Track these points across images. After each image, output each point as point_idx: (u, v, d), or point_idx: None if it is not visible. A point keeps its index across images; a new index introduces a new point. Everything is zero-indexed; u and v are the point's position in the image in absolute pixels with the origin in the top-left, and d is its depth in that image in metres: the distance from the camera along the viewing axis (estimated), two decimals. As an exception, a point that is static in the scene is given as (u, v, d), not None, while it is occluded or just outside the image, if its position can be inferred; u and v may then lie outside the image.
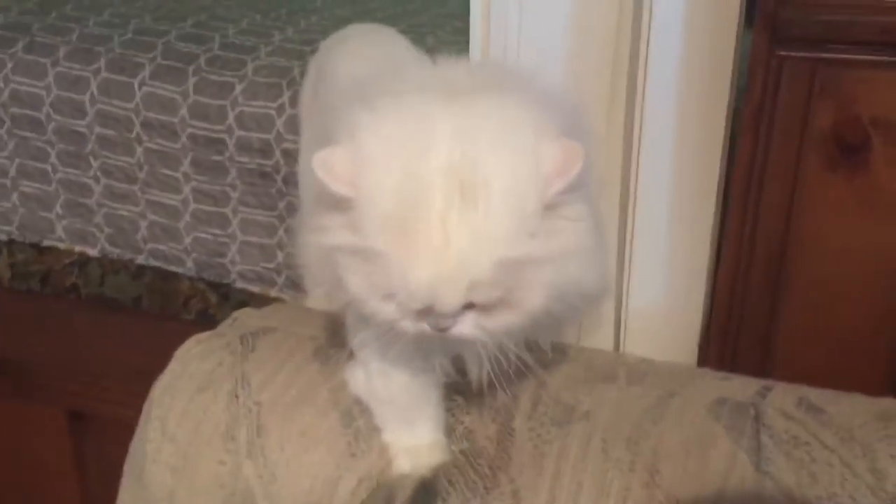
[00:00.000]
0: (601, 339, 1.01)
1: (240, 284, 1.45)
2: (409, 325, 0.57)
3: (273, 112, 1.33)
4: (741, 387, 0.80)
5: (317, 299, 1.00)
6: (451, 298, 0.54)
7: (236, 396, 0.82)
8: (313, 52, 1.42)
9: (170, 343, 1.43)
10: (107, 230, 1.49)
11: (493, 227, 0.53)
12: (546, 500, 0.72)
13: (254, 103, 1.35)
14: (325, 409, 0.80)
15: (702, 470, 0.72)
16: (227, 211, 1.41)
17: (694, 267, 0.96)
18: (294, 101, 1.33)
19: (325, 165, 0.55)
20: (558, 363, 0.84)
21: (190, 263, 1.47)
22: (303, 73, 1.36)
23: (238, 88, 1.36)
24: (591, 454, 0.74)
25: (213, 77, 1.38)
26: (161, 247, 1.47)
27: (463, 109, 0.55)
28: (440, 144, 0.54)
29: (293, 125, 1.32)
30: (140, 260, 1.50)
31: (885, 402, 0.78)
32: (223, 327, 0.92)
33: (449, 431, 0.78)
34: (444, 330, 0.57)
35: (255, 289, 1.44)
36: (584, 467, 0.73)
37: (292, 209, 1.37)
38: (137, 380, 1.38)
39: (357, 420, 0.79)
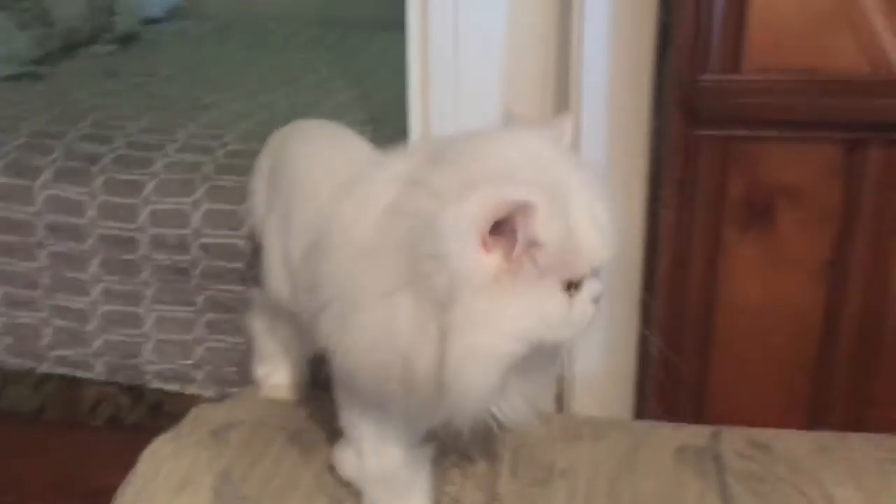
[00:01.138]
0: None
1: (155, 384, 1.42)
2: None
3: (188, 207, 1.34)
4: (695, 434, 0.88)
5: (274, 388, 1.01)
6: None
7: (220, 493, 0.81)
8: (223, 146, 1.45)
9: (79, 452, 1.38)
10: (5, 339, 1.43)
11: None
12: (542, 558, 0.76)
13: (167, 200, 1.35)
14: (312, 495, 0.81)
15: (679, 513, 0.78)
16: (141, 310, 1.39)
17: (625, 329, 1.04)
18: (210, 195, 1.34)
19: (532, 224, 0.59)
20: (521, 427, 0.89)
21: (99, 367, 1.42)
22: (216, 169, 1.38)
23: (149, 186, 1.36)
24: (576, 509, 0.79)
25: (122, 176, 1.38)
26: (67, 353, 1.42)
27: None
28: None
29: (211, 219, 1.33)
30: (43, 368, 1.44)
31: (820, 435, 0.88)
32: (185, 426, 0.91)
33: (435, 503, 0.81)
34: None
35: (172, 387, 1.42)
36: (572, 523, 0.78)
37: (211, 303, 1.37)
38: (52, 494, 1.32)
39: (345, 502, 0.81)
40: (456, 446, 0.84)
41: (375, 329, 0.63)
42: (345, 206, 0.68)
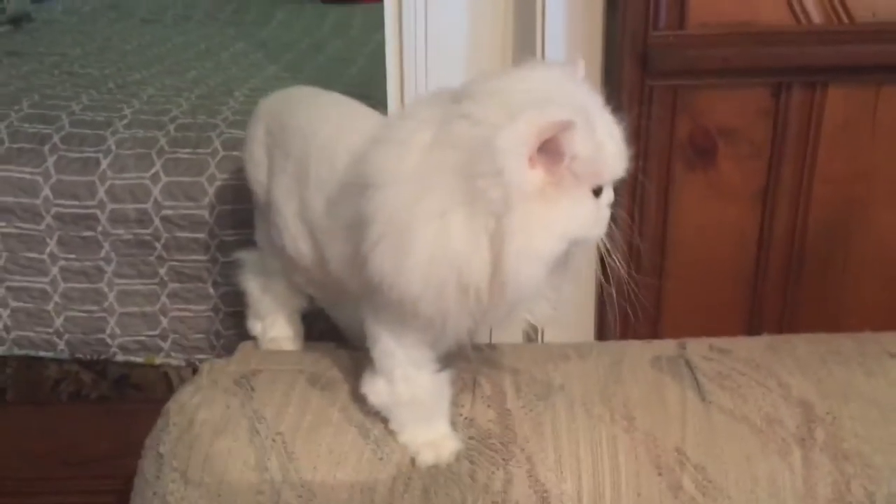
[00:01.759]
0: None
1: (120, 357, 1.45)
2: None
3: (147, 182, 1.37)
4: (664, 346, 1.01)
5: (274, 340, 1.07)
6: None
7: (257, 432, 0.88)
8: (172, 120, 1.47)
9: (52, 427, 1.41)
10: (-39, 325, 1.42)
11: None
12: (554, 457, 0.87)
13: (124, 176, 1.37)
14: (342, 427, 0.89)
15: (664, 410, 0.91)
16: (102, 285, 1.41)
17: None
18: (168, 169, 1.37)
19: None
20: (514, 354, 1.00)
21: (62, 346, 1.44)
22: (170, 142, 1.41)
23: (104, 163, 1.38)
24: (578, 415, 0.90)
25: (74, 154, 1.39)
26: (27, 333, 1.43)
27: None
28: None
29: (171, 192, 1.37)
30: (2, 351, 1.44)
31: (766, 338, 1.02)
32: (203, 379, 0.97)
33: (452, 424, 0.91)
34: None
35: (138, 359, 1.45)
36: (576, 426, 0.89)
37: (174, 274, 1.40)
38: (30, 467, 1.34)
39: (373, 430, 0.89)
40: (465, 372, 0.94)
41: (433, 247, 0.72)
42: (380, 150, 0.77)
